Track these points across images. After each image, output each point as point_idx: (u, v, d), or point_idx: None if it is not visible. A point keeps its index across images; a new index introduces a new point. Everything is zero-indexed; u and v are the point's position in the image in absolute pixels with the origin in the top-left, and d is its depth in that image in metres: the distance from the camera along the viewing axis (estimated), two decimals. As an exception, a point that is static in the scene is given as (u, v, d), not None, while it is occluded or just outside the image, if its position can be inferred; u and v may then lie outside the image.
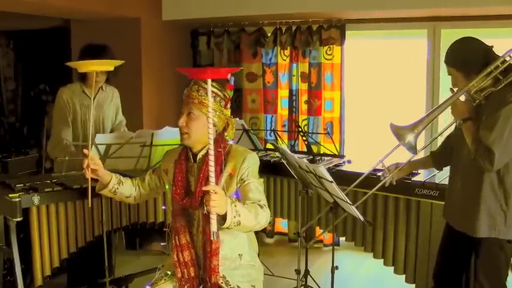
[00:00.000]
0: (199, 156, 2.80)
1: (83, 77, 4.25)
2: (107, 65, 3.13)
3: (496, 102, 2.81)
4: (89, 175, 2.90)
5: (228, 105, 2.80)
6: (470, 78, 2.85)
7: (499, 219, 2.93)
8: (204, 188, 2.48)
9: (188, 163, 2.85)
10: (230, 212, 2.48)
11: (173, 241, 2.84)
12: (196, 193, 2.73)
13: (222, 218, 2.49)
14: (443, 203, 3.42)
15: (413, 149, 2.93)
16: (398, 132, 2.95)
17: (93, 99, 4.29)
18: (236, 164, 2.75)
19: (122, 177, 3.09)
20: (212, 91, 2.64)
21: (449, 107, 2.94)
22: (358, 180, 3.55)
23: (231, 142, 2.89)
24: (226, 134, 2.81)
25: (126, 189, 3.09)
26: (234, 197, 2.70)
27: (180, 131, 2.76)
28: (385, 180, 3.51)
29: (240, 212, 2.53)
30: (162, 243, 5.22)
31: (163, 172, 2.99)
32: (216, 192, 2.42)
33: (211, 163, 2.43)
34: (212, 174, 2.44)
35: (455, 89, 2.97)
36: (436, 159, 3.49)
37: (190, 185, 2.84)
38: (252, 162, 2.78)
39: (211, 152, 2.43)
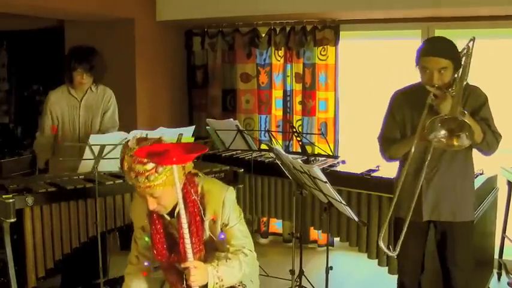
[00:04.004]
0: (177, 210, 2.54)
1: (70, 79, 4.26)
2: None
3: (477, 95, 3.12)
4: None
5: None
6: (454, 73, 3.06)
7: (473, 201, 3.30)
8: (183, 265, 2.43)
9: (164, 220, 2.65)
10: (212, 279, 2.49)
11: None
12: (180, 249, 2.58)
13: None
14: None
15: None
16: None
17: (81, 101, 4.31)
18: (216, 209, 2.64)
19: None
20: (154, 166, 2.39)
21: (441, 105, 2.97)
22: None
23: (196, 179, 2.66)
24: (185, 169, 2.58)
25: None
26: (221, 237, 2.67)
27: (155, 210, 2.56)
28: None
29: (222, 276, 2.53)
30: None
31: (141, 230, 2.76)
32: (195, 267, 2.41)
33: (187, 240, 2.37)
34: (189, 251, 2.39)
35: (436, 83, 3.02)
36: None
37: (174, 237, 2.67)
38: (231, 203, 2.68)
39: (186, 236, 2.37)
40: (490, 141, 3.04)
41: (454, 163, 3.17)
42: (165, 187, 2.41)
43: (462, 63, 3.07)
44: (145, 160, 2.35)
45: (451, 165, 3.17)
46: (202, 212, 2.61)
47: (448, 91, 2.98)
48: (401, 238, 3.04)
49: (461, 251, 3.24)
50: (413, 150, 3.03)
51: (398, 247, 3.04)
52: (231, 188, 2.72)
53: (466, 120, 2.77)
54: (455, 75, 3.06)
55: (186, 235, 2.37)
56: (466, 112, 2.88)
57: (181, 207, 2.35)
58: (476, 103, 3.10)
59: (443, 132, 2.83)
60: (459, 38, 4.76)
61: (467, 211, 3.23)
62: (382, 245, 3.03)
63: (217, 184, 2.77)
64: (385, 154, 3.35)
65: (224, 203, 2.64)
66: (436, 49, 3.05)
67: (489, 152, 3.11)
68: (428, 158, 3.04)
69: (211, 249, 2.72)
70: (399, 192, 3.14)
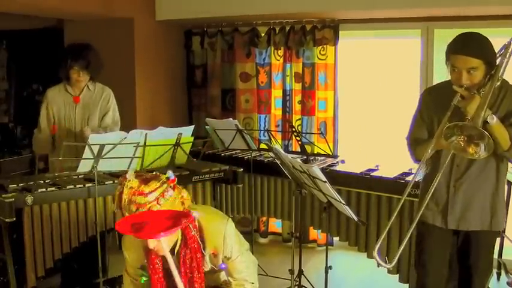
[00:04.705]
0: (177, 248, 2.56)
1: (67, 77, 4.26)
2: None
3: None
4: None
5: (175, 184, 2.46)
6: (487, 73, 2.82)
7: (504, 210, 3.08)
8: None
9: (163, 257, 2.51)
10: None
11: None
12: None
13: None
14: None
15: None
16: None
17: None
18: (217, 245, 2.60)
19: None
20: (155, 197, 2.33)
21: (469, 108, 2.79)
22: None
23: (195, 214, 2.54)
24: (185, 204, 2.49)
25: None
26: (222, 266, 2.66)
27: (154, 249, 2.43)
28: None
29: None
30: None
31: (139, 269, 2.68)
32: None
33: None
34: None
35: (464, 84, 2.81)
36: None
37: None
38: (232, 237, 2.63)
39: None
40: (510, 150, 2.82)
41: (486, 170, 2.96)
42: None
43: (497, 62, 2.83)
44: (146, 191, 2.31)
45: (483, 172, 2.96)
46: (202, 247, 2.56)
47: (477, 92, 2.78)
48: (401, 249, 2.84)
49: (485, 260, 3.08)
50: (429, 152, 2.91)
51: (396, 259, 2.86)
52: (230, 219, 2.68)
53: (485, 132, 2.59)
54: (489, 75, 2.82)
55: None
56: (494, 117, 2.73)
57: (170, 262, 2.24)
58: (510, 106, 2.87)
59: (461, 137, 2.69)
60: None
61: (498, 221, 3.01)
62: (376, 256, 2.83)
63: (214, 217, 2.71)
64: (413, 156, 3.15)
65: (225, 238, 2.60)
66: (466, 47, 2.80)
67: None
68: (446, 163, 2.88)
69: (211, 274, 2.72)
70: (424, 196, 2.98)
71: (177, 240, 2.52)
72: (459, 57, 2.81)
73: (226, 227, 2.62)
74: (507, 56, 2.83)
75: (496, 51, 2.88)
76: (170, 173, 2.42)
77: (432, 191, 2.91)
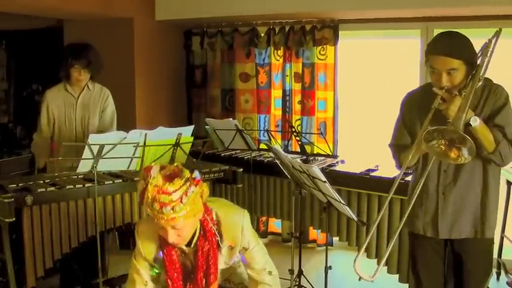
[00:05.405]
0: (195, 240, 2.57)
1: (67, 76, 4.26)
2: None
3: (497, 96, 2.77)
4: None
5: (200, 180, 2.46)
6: (468, 74, 2.72)
7: (496, 216, 2.96)
8: None
9: (179, 249, 2.60)
10: None
11: None
12: (197, 279, 2.60)
13: None
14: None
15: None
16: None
17: (78, 98, 4.32)
18: (235, 236, 2.61)
19: None
20: (179, 196, 2.32)
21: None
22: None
23: (209, 205, 2.61)
24: (203, 198, 2.48)
25: None
26: (234, 260, 2.69)
27: (173, 243, 2.47)
28: None
29: None
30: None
31: (152, 261, 2.65)
32: None
33: None
34: None
35: (444, 86, 2.71)
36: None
37: (188, 268, 2.65)
38: (249, 228, 2.66)
39: None
40: (504, 152, 2.70)
41: (475, 174, 2.84)
42: (187, 219, 2.36)
43: (479, 62, 2.72)
44: (170, 190, 2.30)
45: (471, 176, 2.84)
46: (219, 239, 2.58)
47: (458, 94, 2.68)
48: (383, 261, 2.84)
49: (480, 269, 2.95)
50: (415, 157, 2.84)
51: (378, 273, 2.81)
52: (246, 211, 2.70)
53: (466, 136, 2.46)
54: (470, 76, 2.71)
55: None
56: (477, 119, 2.62)
57: None
58: (494, 106, 2.76)
59: (442, 141, 2.55)
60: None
61: (491, 228, 2.90)
62: (356, 268, 2.79)
63: (231, 209, 2.73)
64: (398, 163, 3.06)
65: (243, 230, 2.62)
66: (444, 47, 2.69)
67: (503, 164, 2.79)
68: (428, 168, 2.79)
69: (224, 272, 2.75)
70: (412, 205, 2.83)
71: (195, 232, 2.53)
72: (438, 58, 2.71)
73: (243, 219, 2.64)
74: (488, 55, 2.72)
75: (477, 51, 2.78)
76: (197, 174, 2.43)
77: (420, 198, 2.87)
